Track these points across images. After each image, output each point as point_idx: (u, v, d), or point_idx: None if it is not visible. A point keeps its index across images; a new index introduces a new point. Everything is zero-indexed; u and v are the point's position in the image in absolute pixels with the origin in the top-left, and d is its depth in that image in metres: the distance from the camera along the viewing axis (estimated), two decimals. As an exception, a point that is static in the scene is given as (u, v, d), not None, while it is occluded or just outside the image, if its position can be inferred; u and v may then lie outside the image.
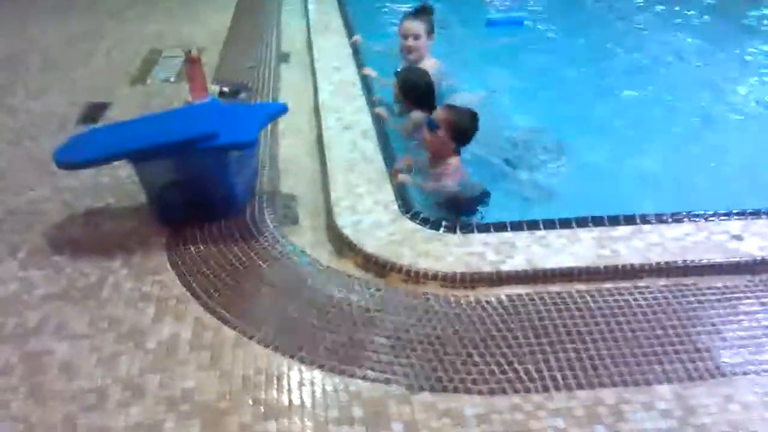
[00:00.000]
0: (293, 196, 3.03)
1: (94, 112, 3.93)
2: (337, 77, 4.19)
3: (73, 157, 2.55)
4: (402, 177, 3.05)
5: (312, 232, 2.75)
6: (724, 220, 2.65)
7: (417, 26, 4.20)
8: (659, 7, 6.30)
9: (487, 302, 2.28)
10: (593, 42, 5.56)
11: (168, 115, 3.01)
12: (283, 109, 2.90)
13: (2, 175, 3.28)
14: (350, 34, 5.11)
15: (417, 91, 3.67)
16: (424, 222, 2.65)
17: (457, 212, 3.08)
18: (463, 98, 3.73)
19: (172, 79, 4.40)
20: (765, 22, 6.01)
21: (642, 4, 6.48)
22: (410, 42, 4.18)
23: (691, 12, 6.15)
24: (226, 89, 4.08)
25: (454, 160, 3.21)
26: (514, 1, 6.66)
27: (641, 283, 2.38)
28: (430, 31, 4.25)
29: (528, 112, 4.14)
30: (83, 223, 2.84)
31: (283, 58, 4.81)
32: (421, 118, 3.47)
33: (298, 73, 4.47)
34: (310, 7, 5.87)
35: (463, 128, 3.17)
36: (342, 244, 2.61)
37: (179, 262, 2.52)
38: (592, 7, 6.59)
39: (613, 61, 5.14)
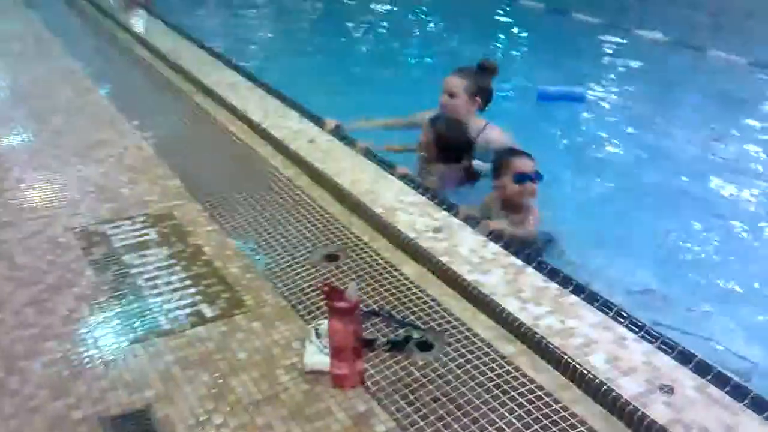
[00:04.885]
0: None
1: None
2: (474, 254, 2.68)
3: None
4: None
5: None
6: None
7: (454, 82, 3.75)
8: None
9: None
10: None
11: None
12: None
13: None
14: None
15: (454, 146, 3.53)
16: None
17: (528, 253, 2.74)
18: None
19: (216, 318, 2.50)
20: None
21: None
22: (445, 99, 3.77)
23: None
24: (370, 338, 2.21)
25: (536, 211, 3.23)
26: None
27: None
28: (474, 93, 3.75)
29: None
30: None
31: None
32: (445, 170, 3.54)
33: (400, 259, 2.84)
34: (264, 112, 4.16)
35: None
36: None
37: None
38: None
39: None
